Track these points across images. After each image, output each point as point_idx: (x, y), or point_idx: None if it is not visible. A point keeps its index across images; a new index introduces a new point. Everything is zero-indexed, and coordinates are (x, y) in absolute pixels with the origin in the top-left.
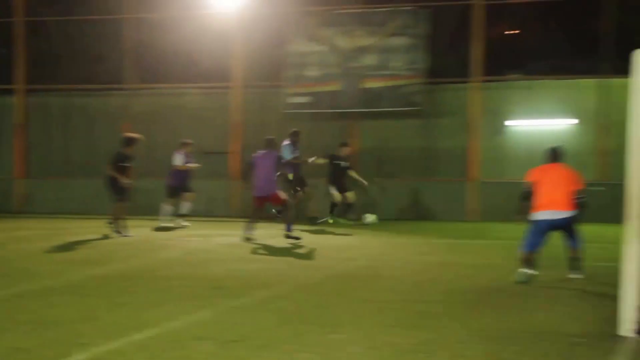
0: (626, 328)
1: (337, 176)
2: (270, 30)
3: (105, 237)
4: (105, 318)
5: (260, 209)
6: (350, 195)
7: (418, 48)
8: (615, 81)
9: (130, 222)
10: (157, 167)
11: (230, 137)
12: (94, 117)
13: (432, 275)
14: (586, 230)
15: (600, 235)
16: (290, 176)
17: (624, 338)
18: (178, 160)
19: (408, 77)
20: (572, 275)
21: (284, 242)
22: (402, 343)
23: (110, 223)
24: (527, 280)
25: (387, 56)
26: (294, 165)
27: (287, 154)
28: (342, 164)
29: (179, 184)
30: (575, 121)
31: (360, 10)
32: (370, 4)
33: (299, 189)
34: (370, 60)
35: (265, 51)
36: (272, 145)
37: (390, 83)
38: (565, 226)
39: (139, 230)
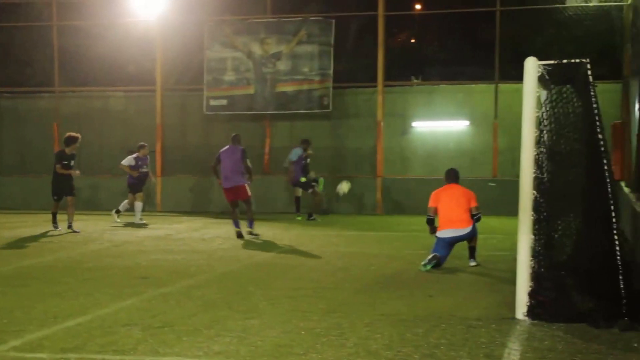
0: (521, 311)
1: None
2: (190, 37)
3: (46, 233)
4: (38, 306)
5: (235, 202)
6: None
7: (326, 55)
8: (504, 86)
9: (59, 217)
10: (85, 166)
11: (155, 137)
12: (24, 119)
13: (345, 264)
14: (481, 223)
15: (494, 227)
16: (303, 179)
17: (518, 320)
18: (125, 161)
19: (318, 82)
20: (471, 263)
21: (209, 234)
22: (316, 327)
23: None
24: (430, 270)
25: (298, 62)
26: (301, 166)
27: (293, 157)
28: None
29: (136, 182)
30: (468, 123)
31: (272, 20)
32: (280, 14)
33: (314, 184)
34: (282, 65)
35: (186, 56)
36: (236, 141)
37: (301, 87)
38: (466, 238)
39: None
